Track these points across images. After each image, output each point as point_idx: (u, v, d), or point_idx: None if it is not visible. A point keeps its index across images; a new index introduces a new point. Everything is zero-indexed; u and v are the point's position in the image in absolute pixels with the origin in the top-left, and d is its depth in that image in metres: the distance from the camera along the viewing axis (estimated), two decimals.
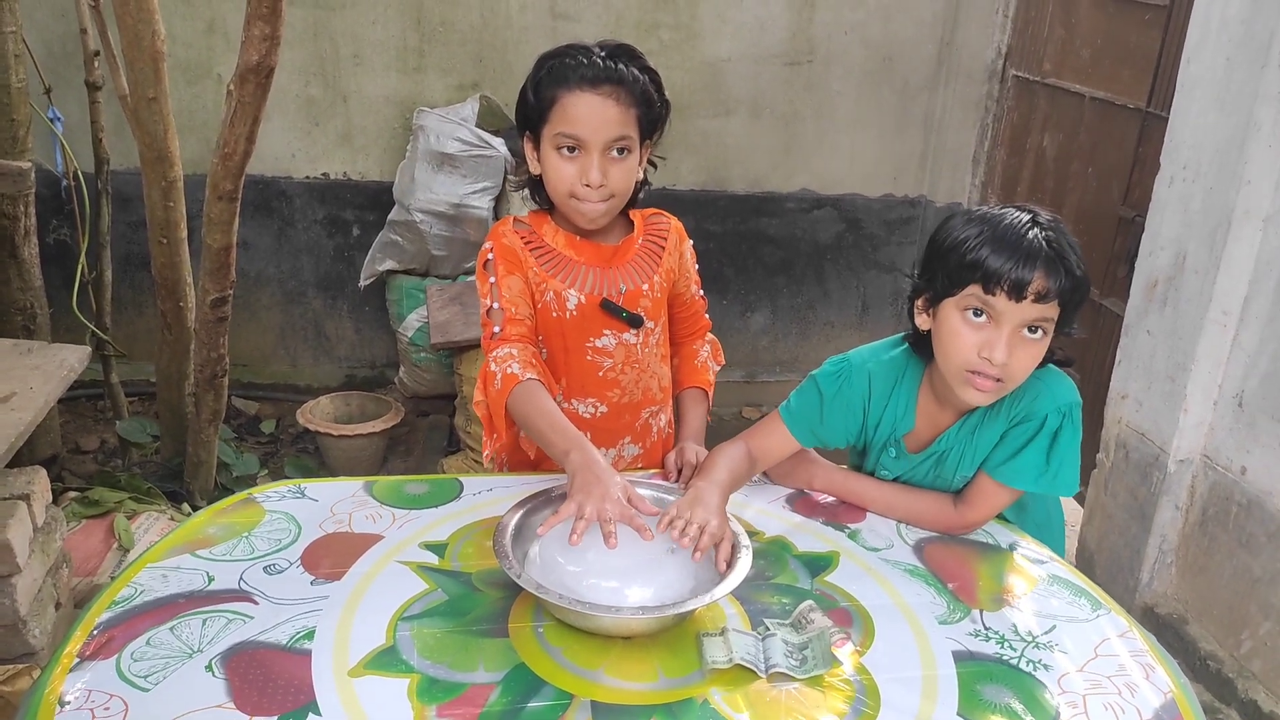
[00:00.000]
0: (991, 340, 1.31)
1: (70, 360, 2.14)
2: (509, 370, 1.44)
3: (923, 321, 1.41)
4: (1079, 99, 3.17)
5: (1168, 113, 2.50)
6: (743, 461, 1.48)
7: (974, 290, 1.31)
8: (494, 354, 1.48)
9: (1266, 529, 2.22)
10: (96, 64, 2.85)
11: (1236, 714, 2.26)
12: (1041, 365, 1.38)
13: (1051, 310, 1.30)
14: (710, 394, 1.75)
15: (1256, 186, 2.21)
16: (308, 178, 3.63)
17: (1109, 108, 3.01)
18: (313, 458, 3.37)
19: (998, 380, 1.33)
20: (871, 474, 1.58)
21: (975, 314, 1.33)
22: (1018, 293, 1.28)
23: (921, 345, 1.44)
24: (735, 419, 3.95)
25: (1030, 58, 3.52)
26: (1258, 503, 2.25)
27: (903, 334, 1.50)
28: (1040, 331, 1.32)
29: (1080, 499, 2.78)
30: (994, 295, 1.29)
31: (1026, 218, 1.32)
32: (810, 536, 1.46)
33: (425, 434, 3.57)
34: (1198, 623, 2.44)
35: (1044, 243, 1.29)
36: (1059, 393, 1.41)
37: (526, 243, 1.55)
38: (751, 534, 1.40)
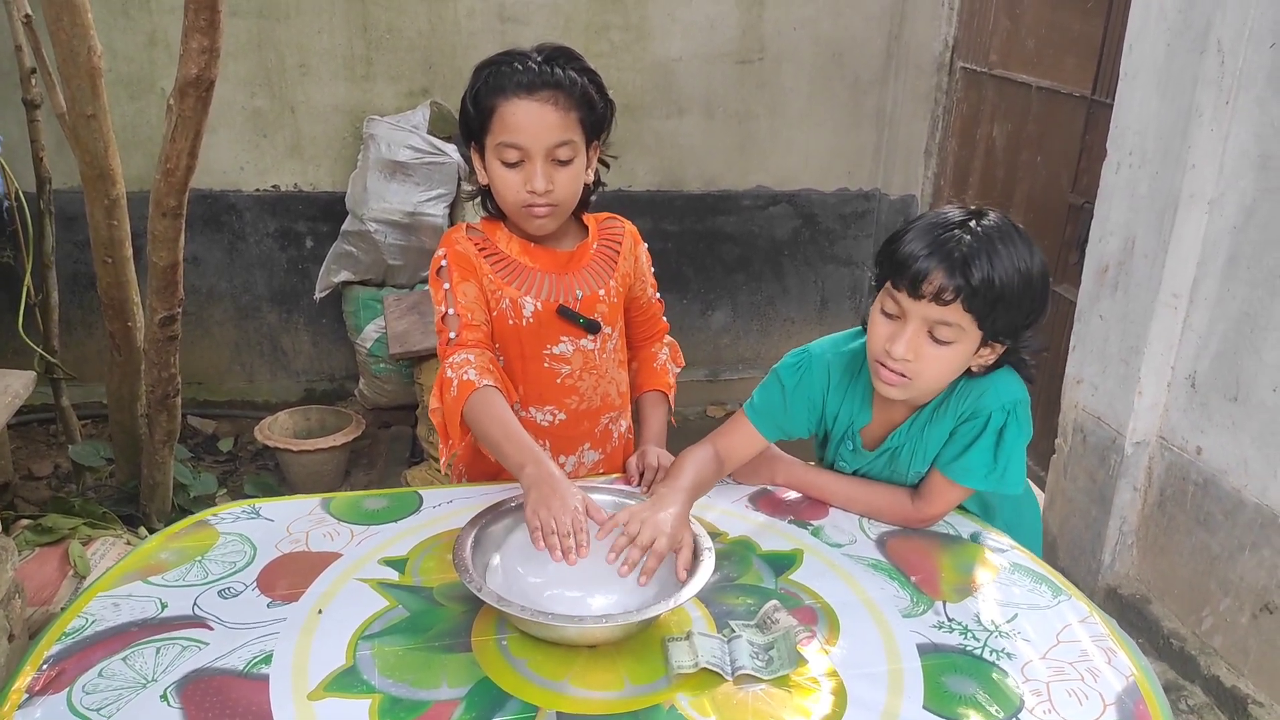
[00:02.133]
0: (895, 334, 1.33)
1: (14, 386, 2.08)
2: (465, 376, 1.42)
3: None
4: (1026, 89, 3.21)
5: (1112, 100, 2.53)
6: (710, 463, 1.48)
7: (889, 286, 1.34)
8: (450, 360, 1.46)
9: (1223, 507, 2.26)
10: (34, 81, 2.79)
11: (1200, 690, 2.30)
12: (997, 366, 1.39)
13: (954, 314, 1.29)
14: (671, 396, 1.74)
15: (1200, 170, 2.25)
16: (257, 190, 3.58)
17: (1055, 96, 3.05)
18: (273, 475, 3.32)
19: (903, 376, 1.35)
20: (831, 466, 1.58)
21: (888, 310, 1.35)
22: (913, 289, 1.29)
23: None
24: (700, 418, 3.95)
25: (977, 49, 3.56)
26: (1214, 481, 2.28)
27: (862, 325, 1.51)
28: (947, 339, 1.31)
29: (1041, 484, 2.81)
30: (898, 291, 1.32)
31: (959, 217, 1.31)
32: (774, 535, 1.46)
33: (387, 445, 3.53)
34: (1159, 602, 2.47)
35: (959, 243, 1.27)
36: (1003, 390, 1.41)
37: (481, 250, 1.53)
38: (715, 535, 1.40)
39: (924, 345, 1.32)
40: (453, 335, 1.48)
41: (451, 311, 1.49)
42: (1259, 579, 2.17)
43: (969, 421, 1.42)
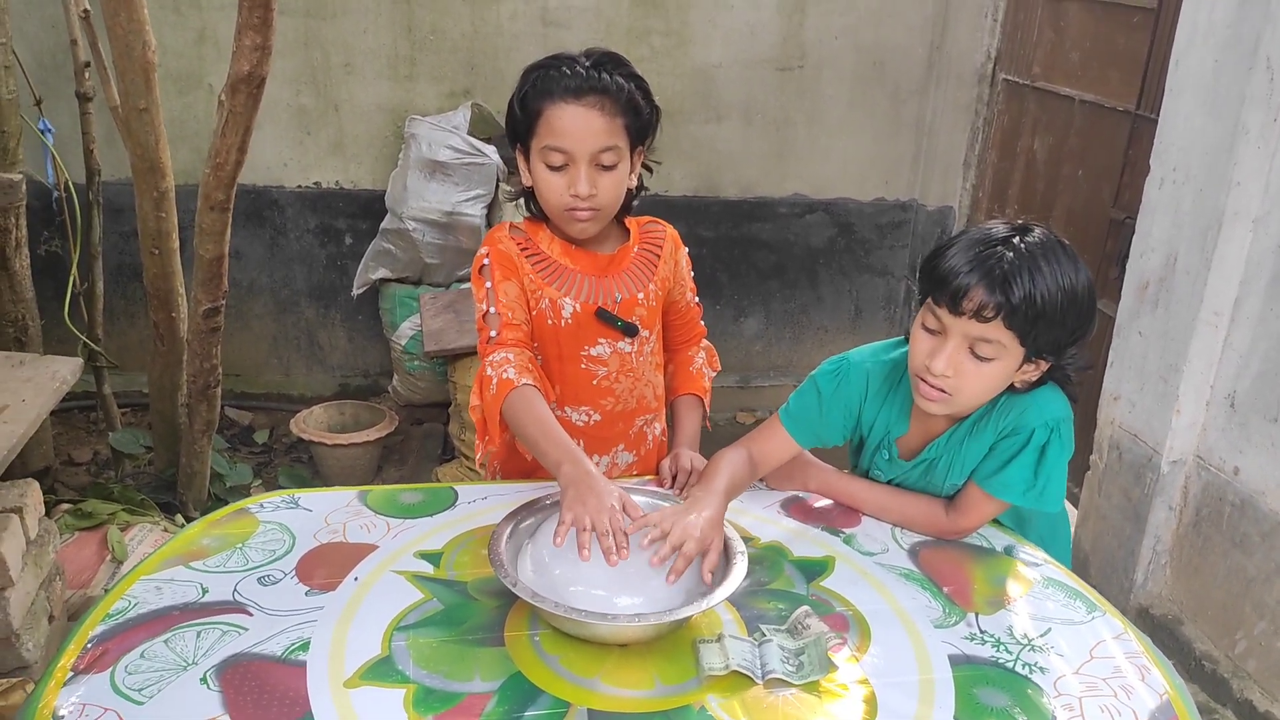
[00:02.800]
0: (936, 350, 1.33)
1: (62, 372, 2.13)
2: (505, 375, 1.44)
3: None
4: (1069, 102, 3.18)
5: (1157, 115, 2.51)
6: (743, 466, 1.48)
7: (930, 301, 1.33)
8: (490, 358, 1.47)
9: (1260, 529, 2.23)
10: (87, 75, 2.85)
11: (1232, 714, 2.26)
12: (1041, 382, 1.38)
13: (994, 331, 1.28)
14: (706, 400, 1.75)
15: (1245, 188, 2.22)
16: (300, 187, 3.63)
17: (1098, 110, 3.02)
18: (306, 467, 3.36)
19: (943, 392, 1.34)
20: (865, 474, 1.58)
21: (929, 325, 1.34)
22: (954, 306, 1.28)
23: None
24: (729, 424, 3.95)
25: (1020, 61, 3.53)
26: (1251, 503, 2.25)
27: (903, 335, 1.50)
28: (988, 355, 1.30)
29: (1074, 501, 2.78)
30: (939, 306, 1.31)
31: (1003, 233, 1.30)
32: (806, 542, 1.46)
33: (420, 442, 3.56)
34: (1192, 623, 2.44)
35: (1001, 260, 1.26)
36: (1047, 407, 1.39)
37: (523, 249, 1.55)
38: (747, 540, 1.41)
39: (965, 362, 1.32)
40: (493, 334, 1.49)
41: (493, 310, 1.50)
42: None
43: (1010, 437, 1.41)
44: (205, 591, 1.27)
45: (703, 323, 1.79)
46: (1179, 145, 2.40)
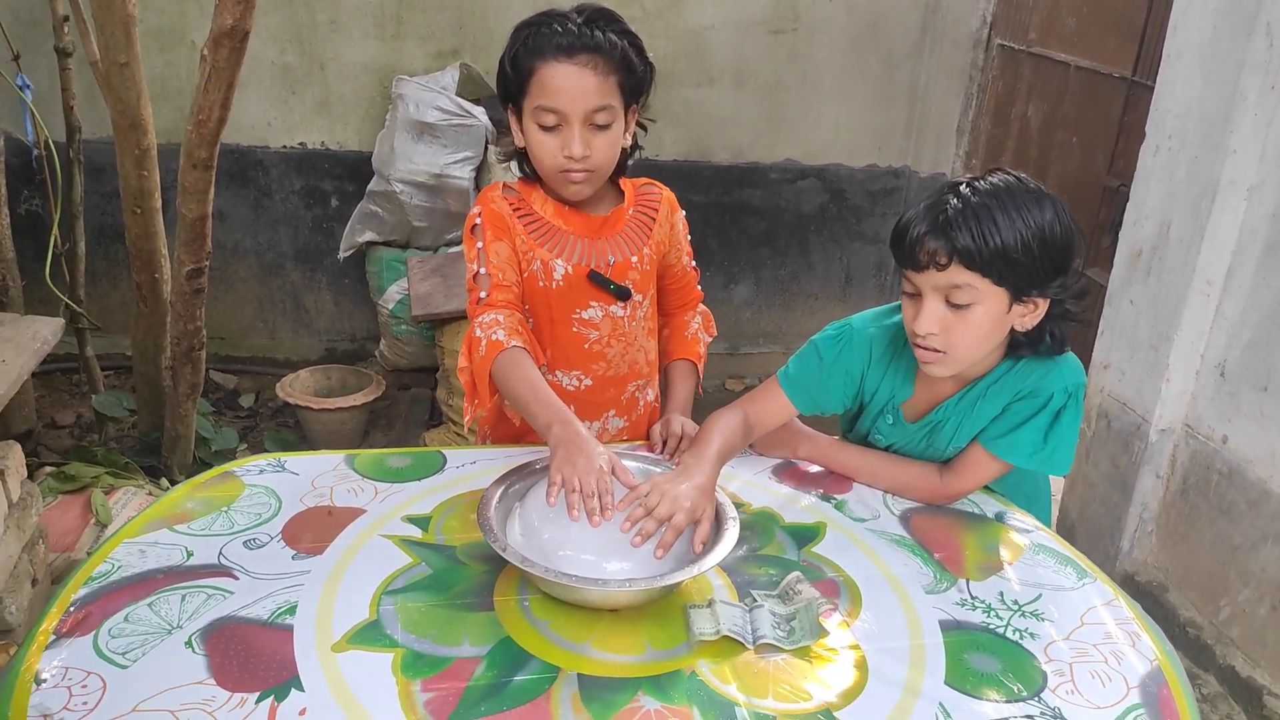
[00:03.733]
0: (917, 312, 1.33)
1: (43, 332, 2.09)
2: (494, 337, 1.42)
3: None
4: (1064, 68, 3.15)
5: (1153, 82, 2.49)
6: (738, 430, 1.46)
7: (900, 268, 1.34)
8: (479, 319, 1.45)
9: (1247, 497, 2.24)
10: (66, 29, 2.79)
11: (1215, 680, 2.29)
12: (1045, 345, 1.37)
13: (958, 276, 1.27)
14: (701, 366, 1.73)
15: (1241, 156, 2.21)
16: (285, 147, 3.57)
17: (1094, 77, 3.00)
18: (293, 431, 3.34)
19: (937, 352, 1.34)
20: (865, 439, 1.57)
21: (907, 290, 1.35)
22: (913, 262, 1.29)
23: None
24: (719, 391, 3.94)
25: (1015, 26, 3.49)
26: (1239, 471, 2.26)
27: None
28: (964, 302, 1.29)
29: None
30: (905, 268, 1.32)
31: (954, 183, 1.31)
32: (797, 508, 1.45)
33: (407, 407, 3.55)
34: (1177, 590, 2.46)
35: (946, 206, 1.26)
36: (1068, 374, 1.39)
37: (515, 210, 1.52)
38: (738, 505, 1.39)
39: (946, 316, 1.31)
40: (483, 295, 1.47)
41: (483, 271, 1.48)
42: None
43: (1027, 399, 1.40)
44: (190, 555, 1.25)
45: (700, 288, 1.77)
46: (1175, 112, 2.38)
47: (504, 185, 1.55)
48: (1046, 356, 1.39)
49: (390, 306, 3.48)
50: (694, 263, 1.72)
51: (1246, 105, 2.18)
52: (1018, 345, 1.39)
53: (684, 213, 1.66)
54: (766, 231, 3.98)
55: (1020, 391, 1.40)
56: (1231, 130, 2.20)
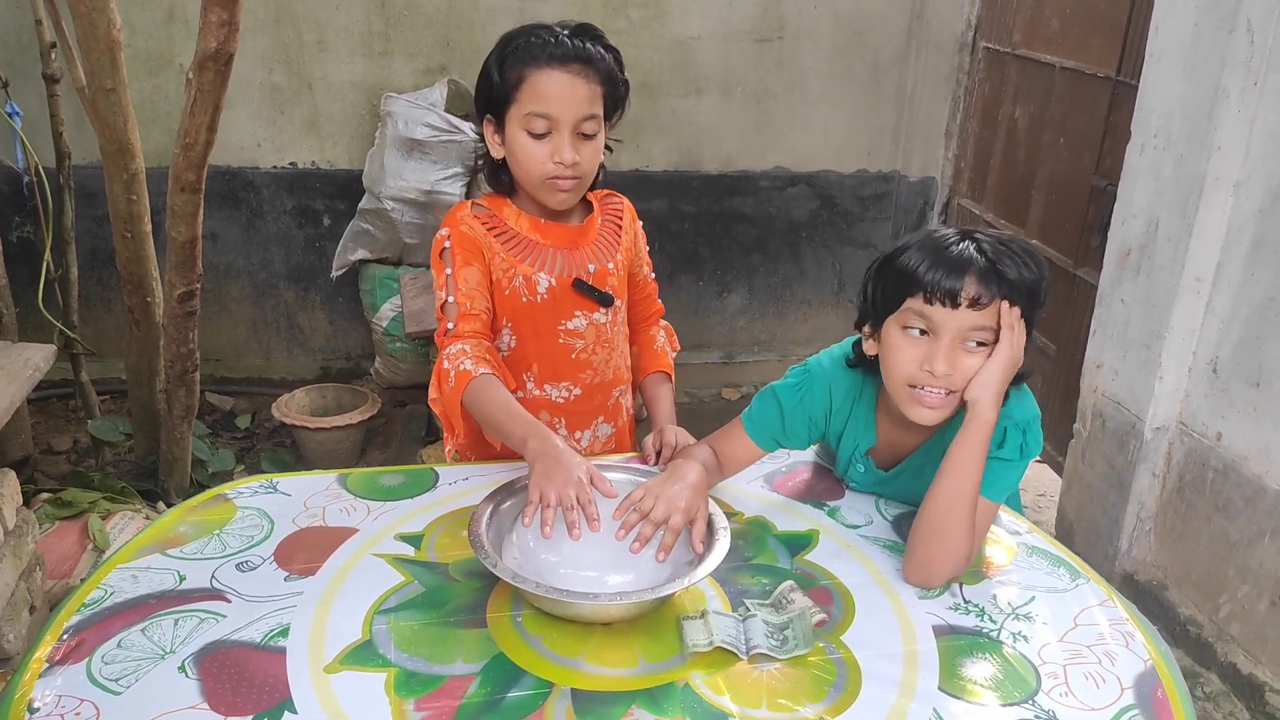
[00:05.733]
0: (931, 353, 1.27)
1: (35, 359, 2.09)
2: (462, 367, 1.43)
3: (870, 347, 1.37)
4: (1049, 69, 3.17)
5: (1137, 81, 2.50)
6: (712, 458, 1.46)
7: (911, 304, 1.28)
8: (447, 351, 1.47)
9: (1243, 493, 2.24)
10: (54, 56, 2.79)
11: (1216, 678, 2.28)
12: (1014, 384, 1.33)
13: (989, 318, 1.26)
14: (672, 377, 1.74)
15: (1226, 153, 2.21)
16: (275, 167, 3.58)
17: (1079, 77, 3.01)
18: (290, 451, 3.34)
19: (947, 392, 1.29)
20: (844, 482, 1.56)
21: (915, 330, 1.29)
22: (952, 299, 1.25)
23: (872, 366, 1.40)
24: (715, 400, 3.94)
25: (1000, 29, 3.51)
26: (1234, 468, 2.26)
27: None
28: (983, 341, 1.27)
29: (1058, 470, 2.79)
30: (930, 305, 1.26)
31: (956, 234, 1.30)
32: (789, 515, 1.46)
33: (403, 424, 3.54)
34: (1177, 588, 2.46)
35: (976, 252, 1.27)
36: (1015, 408, 1.34)
37: (490, 228, 1.53)
38: (730, 514, 1.40)
39: (961, 357, 1.28)
40: (450, 325, 1.49)
41: (451, 300, 1.49)
42: (1279, 566, 2.15)
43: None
44: (183, 579, 1.25)
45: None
46: (1160, 111, 2.39)
47: (473, 203, 1.56)
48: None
49: (384, 324, 3.48)
50: (652, 275, 1.73)
51: (1230, 102, 2.19)
52: None
53: (642, 223, 1.68)
54: (758, 239, 3.99)
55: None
56: (1216, 127, 2.21)
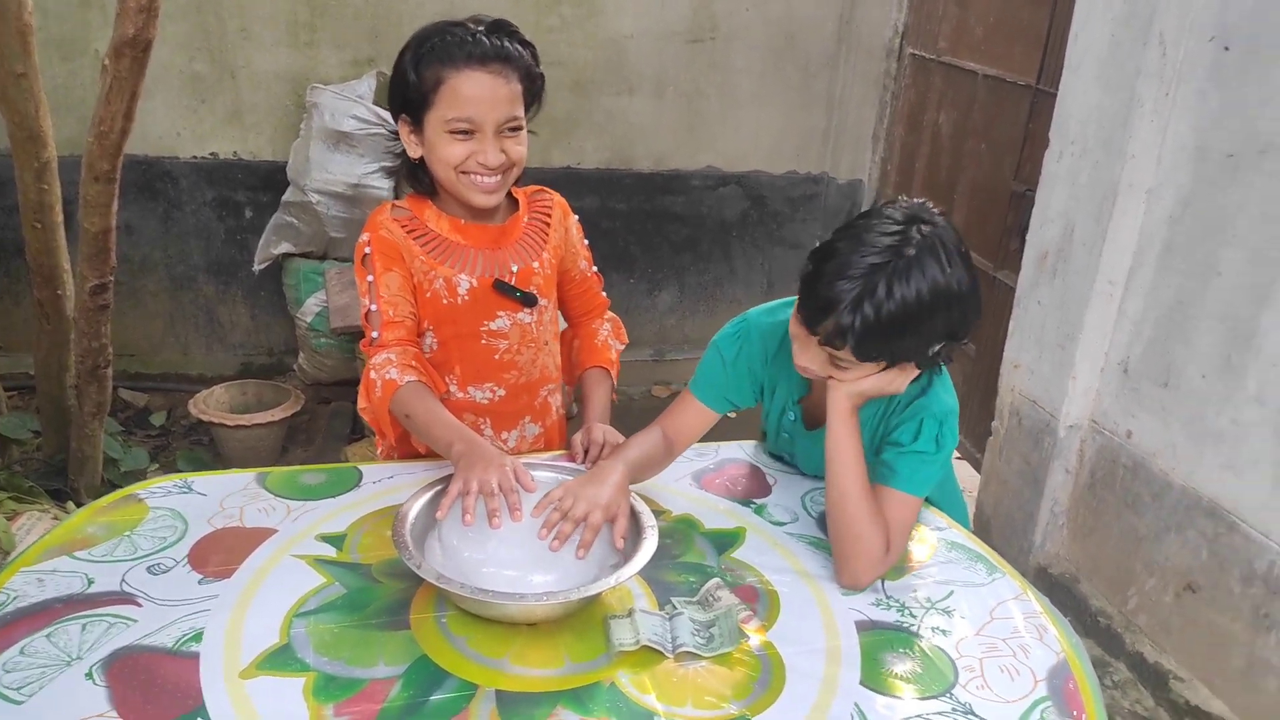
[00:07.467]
0: (802, 349, 1.30)
1: None
2: (388, 376, 1.42)
3: None
4: (972, 76, 3.24)
5: (1056, 89, 2.57)
6: (657, 444, 1.47)
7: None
8: (373, 361, 1.46)
9: (1150, 489, 2.32)
10: None
11: (1124, 666, 2.36)
12: (936, 372, 1.35)
13: (845, 355, 1.23)
14: (614, 373, 1.73)
15: (1140, 160, 2.29)
16: (195, 157, 3.47)
17: (1001, 85, 3.09)
18: (207, 450, 3.25)
19: (828, 379, 1.31)
20: (775, 438, 1.57)
21: (794, 330, 1.31)
22: (809, 325, 1.25)
23: None
24: (645, 398, 3.95)
25: (926, 36, 3.58)
26: (1142, 464, 2.34)
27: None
28: (848, 366, 1.26)
29: (977, 466, 2.86)
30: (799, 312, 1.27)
31: (873, 254, 1.20)
32: (717, 513, 1.46)
33: (327, 422, 3.48)
34: (1088, 581, 2.54)
35: (855, 289, 1.19)
36: (934, 400, 1.35)
37: (409, 231, 1.50)
38: (658, 512, 1.40)
39: (830, 368, 1.29)
40: (375, 334, 1.47)
41: (374, 308, 1.47)
42: (1183, 560, 2.24)
43: (903, 426, 1.36)
44: (91, 582, 1.21)
45: (614, 296, 1.77)
46: (1077, 118, 2.46)
47: (393, 205, 1.53)
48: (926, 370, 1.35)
49: (309, 319, 3.41)
50: (595, 269, 1.72)
51: (1144, 111, 2.27)
52: None
53: (577, 218, 1.66)
54: (689, 238, 4.01)
55: (894, 404, 1.38)
56: (1130, 135, 2.29)
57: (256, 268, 3.46)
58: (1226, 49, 2.10)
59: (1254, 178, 2.04)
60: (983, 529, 2.81)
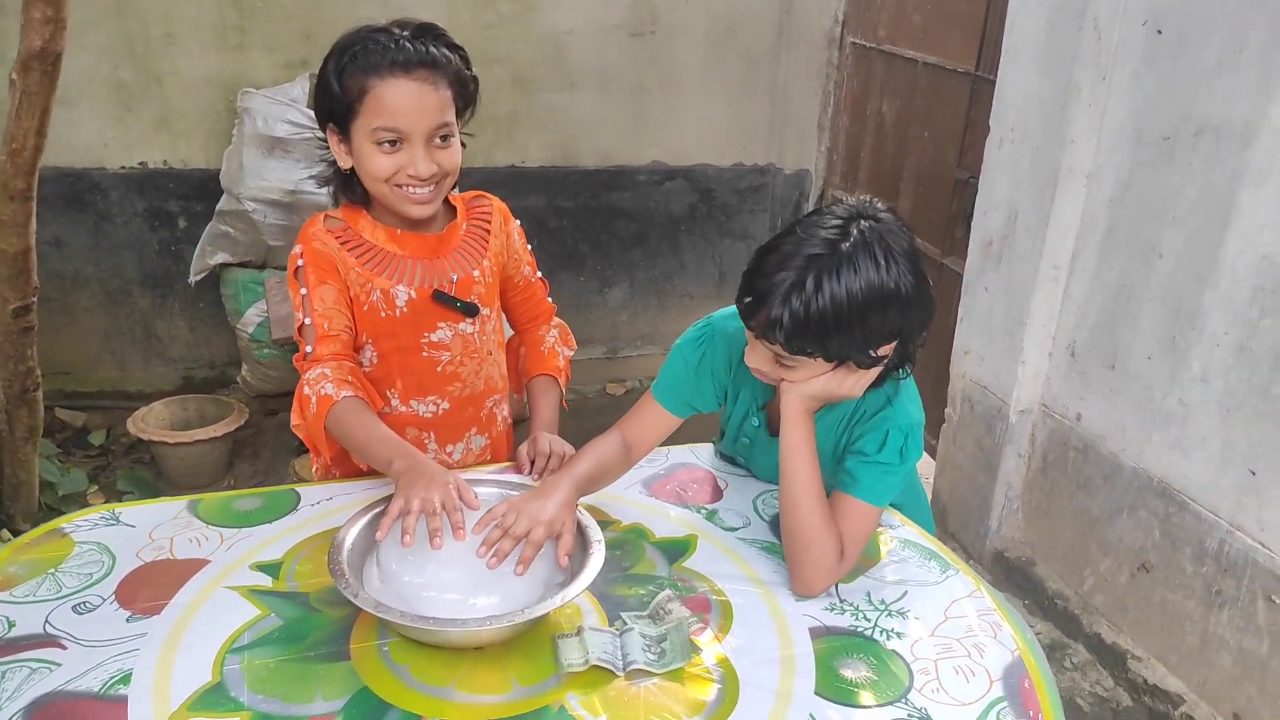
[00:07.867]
0: (750, 350, 1.29)
1: None
2: (323, 392, 1.37)
3: None
4: (913, 65, 3.24)
5: (995, 76, 2.57)
6: (614, 453, 1.43)
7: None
8: (307, 376, 1.40)
9: (1101, 471, 2.34)
10: None
11: (1083, 648, 2.38)
12: (898, 372, 1.33)
13: (782, 350, 1.22)
14: (562, 381, 1.69)
15: (1079, 146, 2.30)
16: (123, 168, 3.36)
17: (940, 72, 3.09)
18: (149, 469, 3.15)
19: (781, 380, 1.30)
20: (734, 443, 1.55)
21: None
22: (746, 319, 1.24)
23: None
24: (599, 395, 3.91)
25: (866, 25, 3.58)
26: (1093, 447, 2.36)
27: None
28: (791, 364, 1.24)
29: (932, 453, 2.87)
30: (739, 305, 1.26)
31: (813, 246, 1.18)
32: (668, 521, 1.44)
33: (274, 434, 3.39)
34: (1044, 563, 2.56)
35: (794, 310, 1.17)
36: (900, 412, 1.34)
37: (344, 242, 1.45)
38: (606, 524, 1.37)
39: (777, 368, 1.27)
40: (309, 349, 1.42)
41: (308, 321, 1.42)
42: (1136, 539, 2.26)
43: (862, 437, 1.34)
44: (11, 625, 1.15)
45: (566, 295, 1.73)
46: (1016, 105, 2.46)
47: (326, 216, 1.48)
48: (889, 377, 1.33)
49: (250, 330, 3.32)
50: (539, 274, 1.68)
51: (1081, 97, 2.28)
52: None
53: (519, 222, 1.62)
54: (638, 234, 3.97)
55: (858, 414, 1.36)
56: (1069, 121, 2.30)
57: (193, 279, 3.36)
58: (1159, 32, 2.11)
59: (1190, 159, 2.05)
60: (940, 516, 2.82)
